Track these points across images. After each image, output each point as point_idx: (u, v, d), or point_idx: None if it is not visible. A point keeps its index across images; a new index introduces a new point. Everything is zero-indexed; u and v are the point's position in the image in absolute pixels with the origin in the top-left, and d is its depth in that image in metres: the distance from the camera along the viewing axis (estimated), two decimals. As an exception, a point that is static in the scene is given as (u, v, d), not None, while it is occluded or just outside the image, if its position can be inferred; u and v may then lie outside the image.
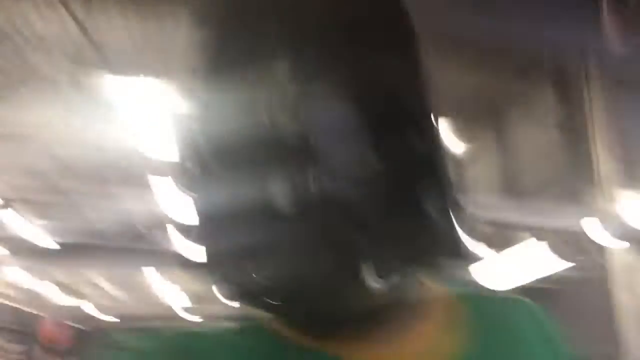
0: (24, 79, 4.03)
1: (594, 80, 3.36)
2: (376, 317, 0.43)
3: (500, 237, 6.76)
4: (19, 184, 5.88)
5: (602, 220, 3.12)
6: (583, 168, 3.68)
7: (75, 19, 3.18)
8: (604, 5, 2.94)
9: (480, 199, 5.02)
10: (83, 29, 3.11)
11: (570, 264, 7.62)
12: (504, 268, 7.23)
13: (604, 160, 3.21)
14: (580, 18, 3.28)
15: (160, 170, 2.91)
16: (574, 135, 3.88)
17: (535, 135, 4.43)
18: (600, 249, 3.24)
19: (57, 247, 7.69)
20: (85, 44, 3.41)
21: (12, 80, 4.12)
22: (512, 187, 4.67)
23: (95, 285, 9.03)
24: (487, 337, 0.47)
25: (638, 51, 3.20)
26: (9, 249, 7.44)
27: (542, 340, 0.49)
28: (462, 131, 4.63)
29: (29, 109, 4.33)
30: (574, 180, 3.83)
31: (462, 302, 0.49)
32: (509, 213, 4.17)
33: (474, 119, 4.43)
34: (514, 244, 6.78)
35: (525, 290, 8.10)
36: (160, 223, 7.40)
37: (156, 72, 3.55)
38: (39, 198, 6.32)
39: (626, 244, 3.02)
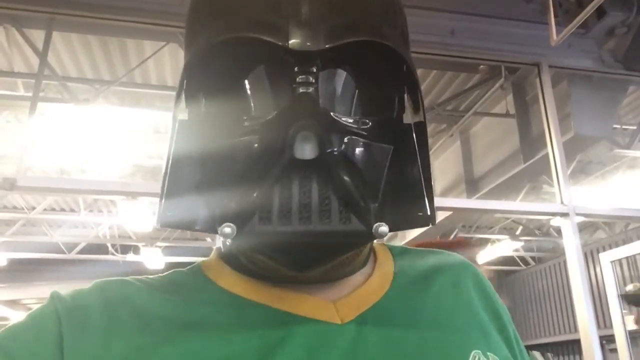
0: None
1: (543, 71, 3.53)
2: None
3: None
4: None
5: (556, 204, 3.31)
6: (536, 156, 3.88)
7: (37, 52, 3.16)
8: (548, 2, 3.13)
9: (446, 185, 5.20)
10: (44, 61, 3.10)
11: (524, 248, 7.90)
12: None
13: (554, 147, 3.39)
14: (528, 16, 3.46)
15: (120, 190, 2.98)
16: (526, 125, 4.08)
17: (490, 126, 4.62)
18: (557, 232, 3.44)
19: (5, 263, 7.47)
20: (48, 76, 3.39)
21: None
22: (471, 175, 4.86)
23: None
24: (409, 267, 0.55)
25: (577, 41, 3.42)
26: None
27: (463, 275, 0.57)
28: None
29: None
30: (528, 168, 4.03)
31: (389, 248, 0.58)
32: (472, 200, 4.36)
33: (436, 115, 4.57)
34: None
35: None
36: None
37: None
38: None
39: (576, 227, 3.23)
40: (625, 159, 5.35)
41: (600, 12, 3.17)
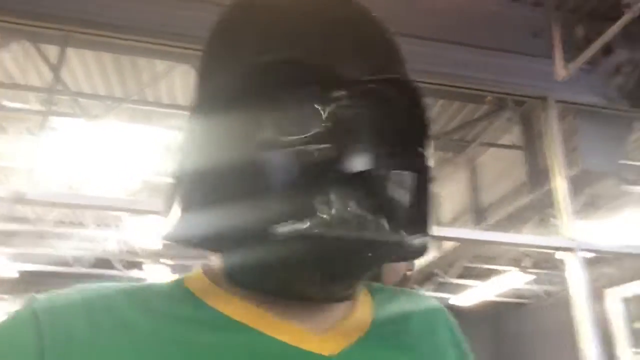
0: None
1: (550, 105, 3.55)
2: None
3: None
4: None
5: (562, 239, 3.29)
6: (542, 189, 3.86)
7: (51, 67, 3.23)
8: (555, 37, 3.16)
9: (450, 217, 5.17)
10: (58, 77, 3.17)
11: (535, 280, 7.79)
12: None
13: (560, 181, 3.38)
14: (535, 50, 3.48)
15: (127, 207, 3.02)
16: (533, 157, 4.07)
17: (498, 156, 4.62)
18: (561, 266, 3.41)
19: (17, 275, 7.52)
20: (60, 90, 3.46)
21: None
22: (478, 205, 4.84)
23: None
24: (387, 306, 0.56)
25: (584, 76, 3.43)
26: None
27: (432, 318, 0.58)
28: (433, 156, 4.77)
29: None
30: (535, 201, 4.01)
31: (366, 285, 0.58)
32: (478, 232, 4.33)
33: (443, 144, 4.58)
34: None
35: (494, 304, 8.31)
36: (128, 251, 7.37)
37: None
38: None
39: (581, 262, 3.19)
40: (634, 195, 5.29)
41: (607, 49, 3.18)
